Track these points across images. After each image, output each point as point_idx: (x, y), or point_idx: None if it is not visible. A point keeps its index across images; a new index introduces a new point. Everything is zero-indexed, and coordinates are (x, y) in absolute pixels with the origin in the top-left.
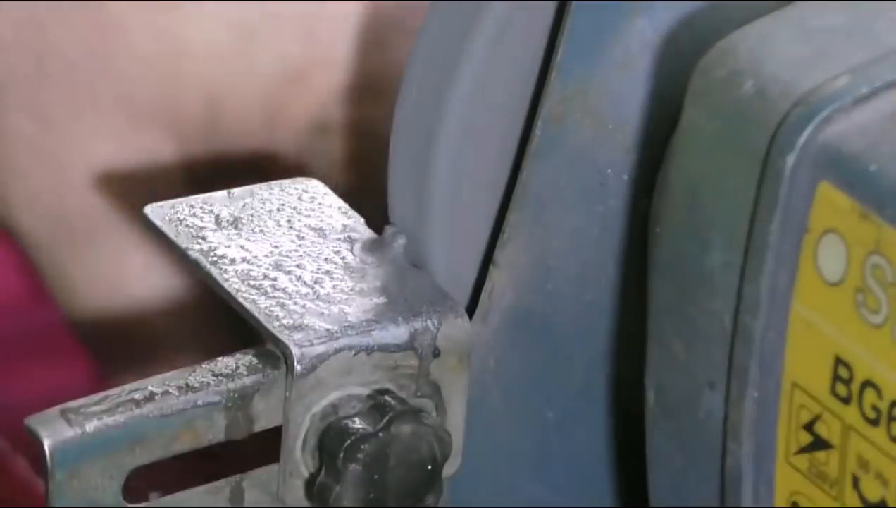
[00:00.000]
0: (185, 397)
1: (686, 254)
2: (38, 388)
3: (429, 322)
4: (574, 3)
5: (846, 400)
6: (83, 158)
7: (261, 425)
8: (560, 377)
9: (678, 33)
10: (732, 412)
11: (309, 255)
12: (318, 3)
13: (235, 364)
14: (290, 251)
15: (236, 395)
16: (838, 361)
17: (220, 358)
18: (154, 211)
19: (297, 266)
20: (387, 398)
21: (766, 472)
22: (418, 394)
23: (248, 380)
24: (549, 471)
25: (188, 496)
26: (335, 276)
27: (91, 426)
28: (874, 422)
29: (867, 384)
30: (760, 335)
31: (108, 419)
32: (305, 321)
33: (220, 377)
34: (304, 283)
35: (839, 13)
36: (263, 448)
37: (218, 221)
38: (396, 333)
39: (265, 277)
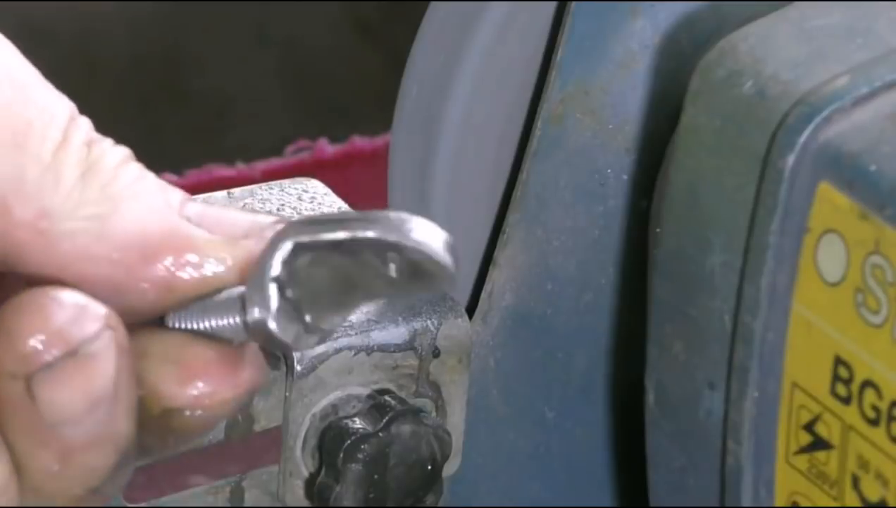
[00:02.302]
0: None
1: (686, 254)
2: None
3: (429, 322)
4: (574, 3)
5: (846, 400)
6: None
7: (261, 425)
8: (560, 377)
9: (678, 33)
10: (732, 412)
11: None
12: None
13: None
14: None
15: None
16: (838, 361)
17: None
18: None
19: None
20: (387, 398)
21: (766, 472)
22: (418, 394)
23: None
24: (549, 471)
25: (188, 496)
26: None
27: None
28: (874, 422)
29: (867, 384)
30: (760, 335)
31: None
32: None
33: None
34: None
35: (839, 13)
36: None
37: None
38: (396, 333)
39: None
